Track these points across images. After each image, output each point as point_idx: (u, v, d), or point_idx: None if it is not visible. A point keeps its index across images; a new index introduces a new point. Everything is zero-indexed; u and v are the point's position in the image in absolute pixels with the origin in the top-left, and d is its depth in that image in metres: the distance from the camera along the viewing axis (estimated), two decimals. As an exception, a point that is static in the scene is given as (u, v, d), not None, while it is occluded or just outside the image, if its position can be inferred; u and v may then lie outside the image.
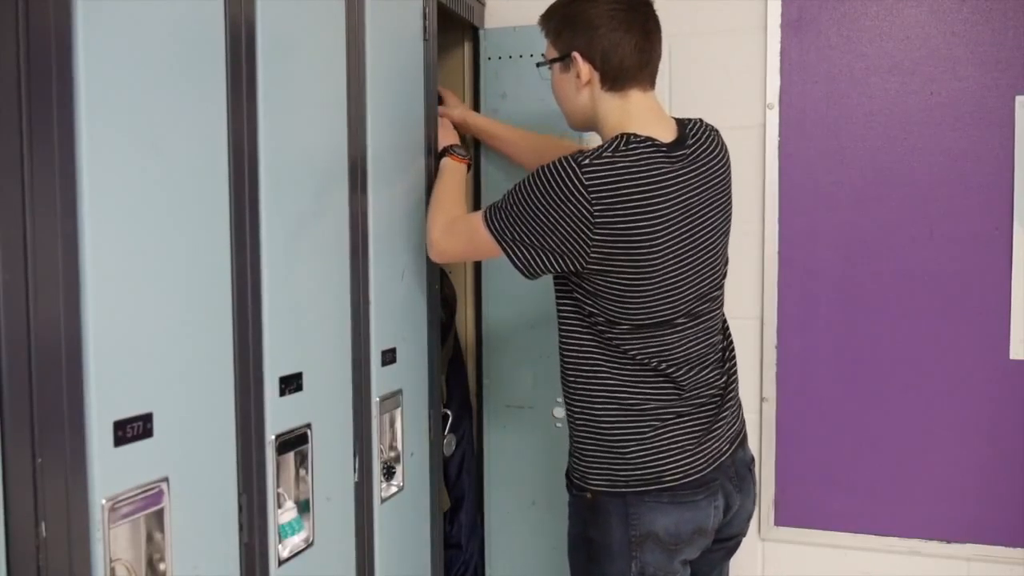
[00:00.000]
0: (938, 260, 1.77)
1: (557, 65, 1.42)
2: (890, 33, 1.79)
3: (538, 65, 1.50)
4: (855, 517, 1.85)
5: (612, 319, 1.35)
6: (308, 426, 1.25)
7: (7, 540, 0.78)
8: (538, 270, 1.36)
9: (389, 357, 1.51)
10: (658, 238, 1.31)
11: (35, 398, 0.80)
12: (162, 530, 0.95)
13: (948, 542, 1.80)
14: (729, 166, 1.46)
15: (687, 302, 1.37)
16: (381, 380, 1.48)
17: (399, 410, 1.56)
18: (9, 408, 0.78)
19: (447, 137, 1.72)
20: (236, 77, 1.09)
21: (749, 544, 1.92)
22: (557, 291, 1.43)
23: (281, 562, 1.19)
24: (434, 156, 1.69)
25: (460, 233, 1.47)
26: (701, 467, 1.37)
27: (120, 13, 0.89)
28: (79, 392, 0.85)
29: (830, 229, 1.82)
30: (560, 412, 1.99)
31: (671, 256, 1.33)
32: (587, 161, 1.28)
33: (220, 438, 1.07)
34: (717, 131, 1.47)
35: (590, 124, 1.45)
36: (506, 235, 1.36)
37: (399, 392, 1.55)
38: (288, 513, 1.21)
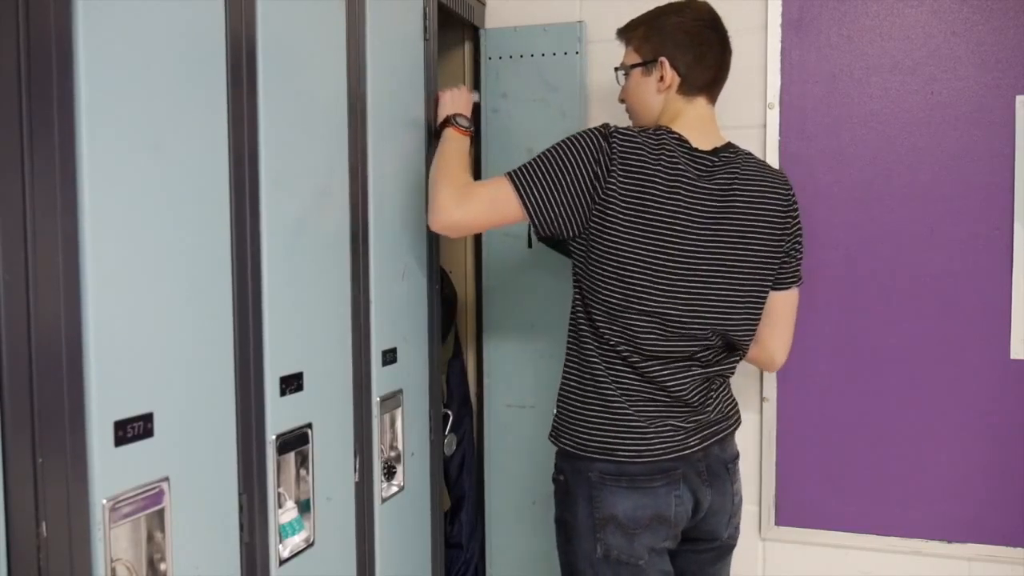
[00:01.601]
0: (938, 260, 1.77)
1: (639, 69, 1.50)
2: (891, 33, 1.79)
3: (617, 69, 1.57)
4: (855, 517, 1.85)
5: (593, 299, 1.41)
6: (308, 426, 1.25)
7: (8, 540, 0.78)
8: (547, 219, 1.39)
9: (390, 357, 1.51)
10: (655, 226, 1.36)
11: (36, 398, 0.80)
12: (163, 530, 0.95)
13: (949, 542, 1.80)
14: (784, 219, 1.49)
15: (676, 308, 1.39)
16: (381, 380, 1.48)
17: (400, 410, 1.56)
18: (10, 408, 0.78)
19: (453, 105, 1.66)
20: (236, 76, 1.09)
21: (749, 544, 1.92)
22: (572, 275, 1.49)
23: (282, 562, 1.19)
24: (434, 129, 1.66)
25: (477, 196, 1.43)
26: (656, 453, 1.41)
27: (120, 13, 0.89)
28: (79, 392, 0.85)
29: (830, 229, 1.82)
30: (560, 412, 2.00)
31: (659, 252, 1.37)
32: (617, 129, 1.39)
33: (221, 438, 1.07)
34: (778, 178, 1.51)
35: (653, 125, 1.49)
36: (524, 182, 1.39)
37: (400, 392, 1.56)
38: (288, 513, 1.21)
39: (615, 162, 1.35)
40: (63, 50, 0.82)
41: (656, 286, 1.38)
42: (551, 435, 1.51)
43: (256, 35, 1.12)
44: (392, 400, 1.53)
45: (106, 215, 0.87)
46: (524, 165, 1.41)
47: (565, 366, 1.50)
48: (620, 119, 1.99)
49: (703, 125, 1.47)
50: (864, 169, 1.81)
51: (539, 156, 1.41)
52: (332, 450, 1.34)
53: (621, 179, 1.35)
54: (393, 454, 1.55)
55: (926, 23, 1.77)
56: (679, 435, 1.43)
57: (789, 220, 1.50)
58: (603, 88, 1.99)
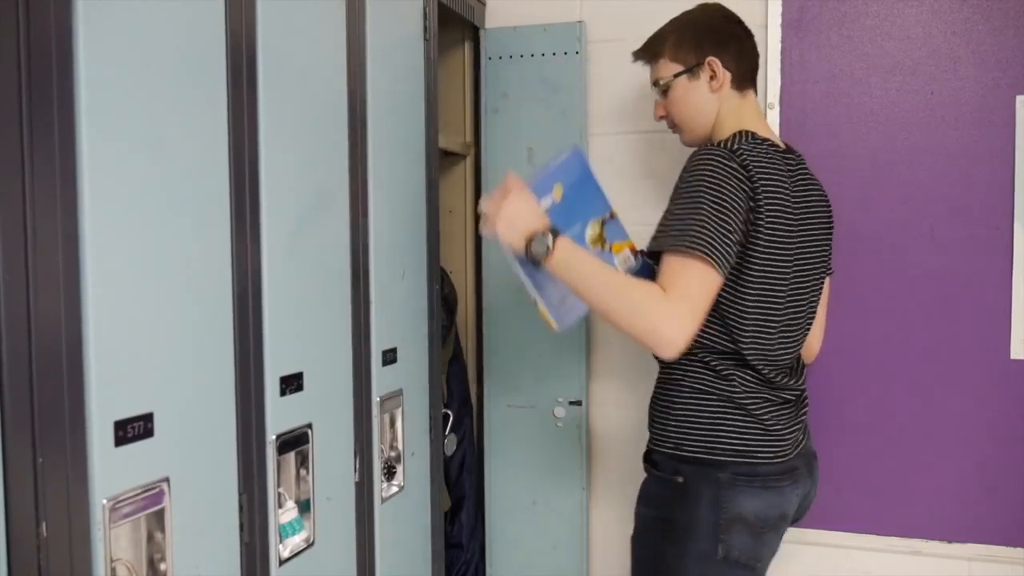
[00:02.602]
0: (938, 260, 1.77)
1: (683, 77, 1.47)
2: (891, 33, 1.79)
3: (655, 84, 1.52)
4: (856, 517, 1.85)
5: (734, 317, 1.38)
6: (309, 426, 1.25)
7: (8, 540, 0.78)
8: (731, 262, 1.32)
9: (390, 357, 1.51)
10: (785, 238, 1.37)
11: (36, 398, 0.80)
12: (163, 530, 0.95)
13: (949, 542, 1.80)
14: (829, 209, 1.53)
15: (794, 314, 1.44)
16: (382, 380, 1.48)
17: (400, 410, 1.56)
18: (10, 408, 0.78)
19: (519, 222, 1.33)
20: (237, 76, 1.09)
21: (750, 544, 1.92)
22: None
23: (282, 562, 1.19)
24: (522, 244, 1.32)
25: (692, 299, 1.26)
26: (788, 452, 1.42)
27: (120, 13, 0.89)
28: (80, 392, 0.85)
29: (830, 229, 1.82)
30: (560, 411, 1.99)
31: (790, 253, 1.39)
32: (732, 146, 1.34)
33: (221, 438, 1.07)
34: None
35: (710, 130, 1.49)
36: (710, 248, 1.27)
37: (400, 392, 1.55)
38: (289, 513, 1.21)
39: (756, 184, 1.32)
40: (63, 50, 0.82)
41: (783, 296, 1.41)
42: (668, 459, 1.43)
43: (256, 35, 1.12)
44: (392, 400, 1.53)
45: (106, 215, 0.87)
46: (691, 228, 1.27)
47: (680, 380, 1.44)
48: (621, 117, 1.99)
49: (761, 119, 1.50)
50: (864, 169, 1.81)
51: (694, 208, 1.29)
52: (332, 450, 1.34)
53: (764, 200, 1.33)
54: (393, 454, 1.55)
55: (926, 23, 1.77)
56: (797, 434, 1.47)
57: (830, 209, 1.54)
58: (603, 88, 1.99)
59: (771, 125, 1.84)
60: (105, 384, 0.87)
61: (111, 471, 0.88)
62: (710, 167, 1.32)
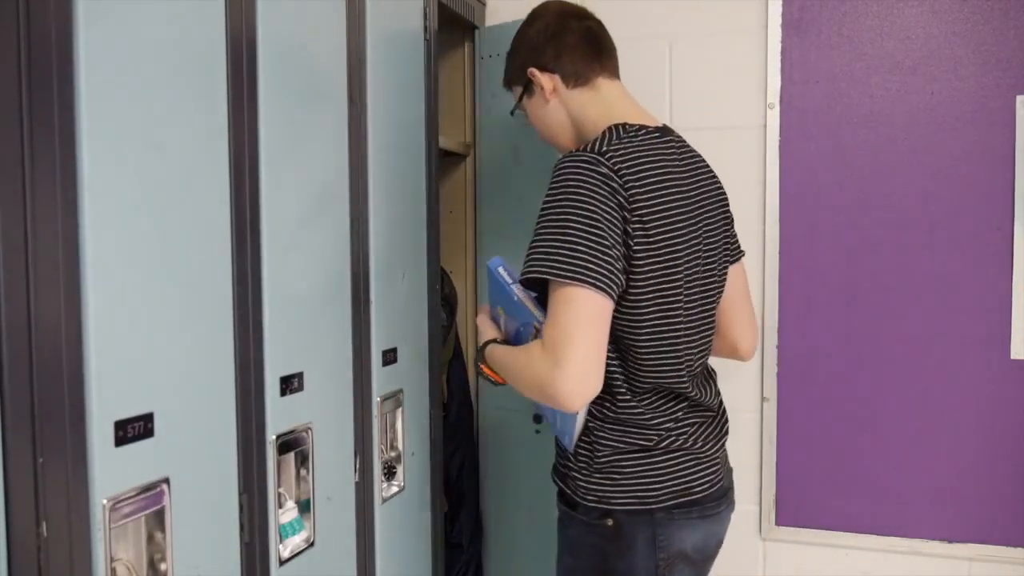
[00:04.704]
0: (938, 260, 1.77)
1: (526, 97, 1.42)
2: (891, 33, 1.79)
3: (512, 113, 1.49)
4: (856, 517, 1.85)
5: (631, 344, 1.25)
6: (309, 426, 1.25)
7: (8, 540, 0.78)
8: (617, 282, 1.17)
9: (390, 357, 1.51)
10: (674, 227, 1.23)
11: (36, 398, 0.80)
12: (163, 530, 0.95)
13: (949, 542, 1.80)
14: (720, 188, 1.41)
15: (694, 313, 1.31)
16: (382, 380, 1.48)
17: (400, 410, 1.56)
18: (10, 408, 0.78)
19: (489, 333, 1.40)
20: (237, 76, 1.09)
21: (749, 544, 1.92)
22: None
23: (282, 562, 1.19)
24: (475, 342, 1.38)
25: (574, 339, 1.13)
26: (720, 473, 1.33)
27: (120, 12, 0.89)
28: (80, 392, 0.85)
29: (830, 229, 1.82)
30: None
31: (684, 251, 1.25)
32: (600, 148, 1.20)
33: (221, 438, 1.07)
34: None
35: (576, 134, 1.39)
36: (582, 271, 1.13)
37: (400, 392, 1.55)
38: (289, 513, 1.21)
39: (630, 186, 1.18)
40: (63, 50, 0.82)
41: (681, 300, 1.26)
42: (590, 511, 1.28)
43: (256, 35, 1.12)
44: (392, 400, 1.53)
45: (106, 215, 0.87)
46: (560, 252, 1.14)
47: (596, 432, 1.28)
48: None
49: (631, 104, 1.36)
50: (864, 169, 1.81)
51: (561, 228, 1.15)
52: (332, 450, 1.33)
53: (642, 201, 1.20)
54: (393, 454, 1.55)
55: (926, 23, 1.77)
56: (723, 451, 1.37)
57: (723, 189, 1.42)
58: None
59: (771, 126, 1.84)
60: (105, 384, 0.87)
61: (111, 471, 0.88)
62: (575, 177, 1.17)
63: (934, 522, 1.81)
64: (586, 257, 1.14)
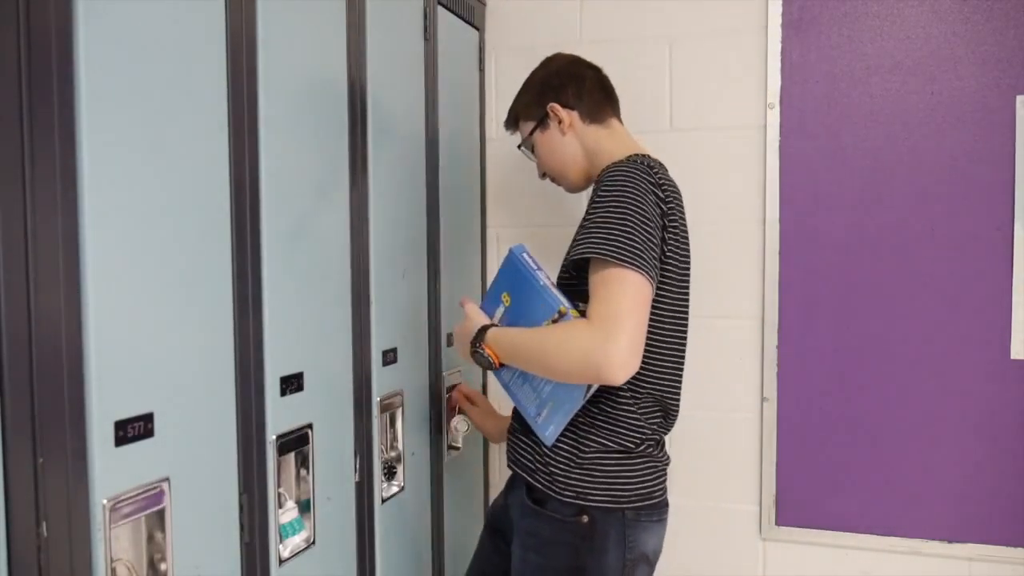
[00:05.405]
0: (939, 260, 1.77)
1: (537, 131, 1.49)
2: (891, 33, 1.79)
3: (519, 147, 1.56)
4: (856, 517, 1.85)
5: (648, 341, 1.31)
6: (309, 426, 1.25)
7: (8, 540, 0.78)
8: (657, 279, 1.27)
9: (390, 357, 1.51)
10: (685, 250, 1.37)
11: (36, 398, 0.80)
12: (163, 530, 0.95)
13: (949, 542, 1.80)
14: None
15: (682, 333, 1.42)
16: (382, 380, 1.48)
17: (400, 410, 1.56)
18: (10, 408, 0.78)
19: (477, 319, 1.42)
20: (236, 76, 1.09)
21: (749, 544, 1.92)
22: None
23: (282, 562, 1.19)
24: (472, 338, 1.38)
25: (624, 319, 1.18)
26: (666, 484, 1.42)
27: (120, 13, 0.89)
28: (80, 392, 0.85)
29: (830, 229, 1.82)
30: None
31: (687, 272, 1.39)
32: (645, 162, 1.32)
33: (221, 438, 1.07)
34: None
35: (589, 170, 1.47)
36: (636, 259, 1.21)
37: (400, 392, 1.55)
38: (289, 513, 1.21)
39: (668, 201, 1.30)
40: (63, 50, 0.82)
41: (686, 317, 1.41)
42: (565, 506, 1.31)
43: (256, 35, 1.12)
44: (392, 400, 1.53)
45: (106, 215, 0.87)
46: (618, 239, 1.22)
47: (587, 429, 1.33)
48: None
49: (632, 139, 1.49)
50: (864, 169, 1.81)
51: (619, 219, 1.24)
52: (332, 450, 1.34)
53: (671, 218, 1.31)
54: (393, 454, 1.55)
55: (926, 23, 1.77)
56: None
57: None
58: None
59: (771, 126, 1.84)
60: (105, 384, 0.87)
61: (111, 471, 0.88)
62: (631, 180, 1.27)
63: (934, 522, 1.80)
64: (642, 247, 1.22)
